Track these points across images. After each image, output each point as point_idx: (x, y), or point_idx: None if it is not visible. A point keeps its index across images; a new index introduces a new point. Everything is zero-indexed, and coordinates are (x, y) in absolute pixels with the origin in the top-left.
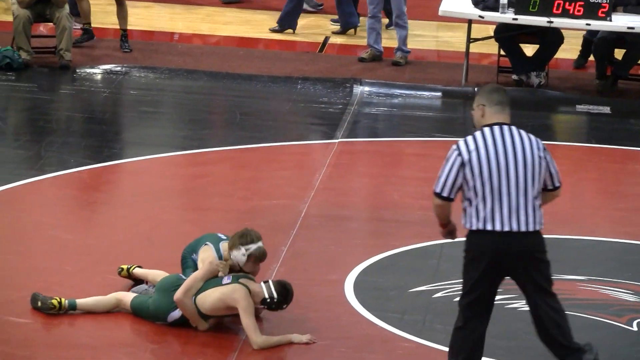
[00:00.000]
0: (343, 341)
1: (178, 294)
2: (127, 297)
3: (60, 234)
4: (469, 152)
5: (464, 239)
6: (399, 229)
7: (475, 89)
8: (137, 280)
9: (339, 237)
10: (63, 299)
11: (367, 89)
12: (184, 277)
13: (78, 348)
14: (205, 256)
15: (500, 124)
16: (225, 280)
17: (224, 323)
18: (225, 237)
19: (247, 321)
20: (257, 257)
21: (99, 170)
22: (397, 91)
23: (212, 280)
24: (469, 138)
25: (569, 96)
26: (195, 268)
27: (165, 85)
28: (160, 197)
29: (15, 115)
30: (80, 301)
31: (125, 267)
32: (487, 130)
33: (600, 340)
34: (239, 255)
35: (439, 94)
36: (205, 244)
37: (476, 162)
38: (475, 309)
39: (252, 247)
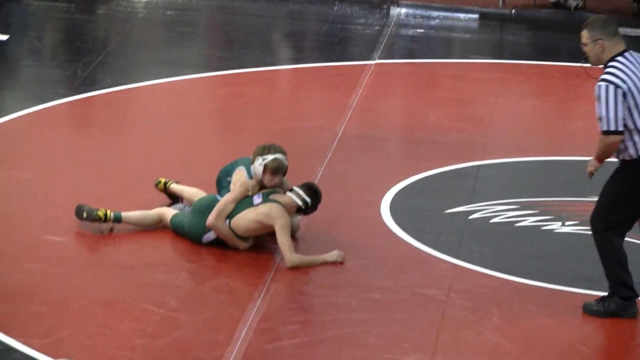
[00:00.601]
0: (379, 262)
1: (210, 219)
2: (169, 213)
3: (97, 154)
4: (624, 82)
5: (499, 160)
6: (435, 150)
7: (513, 11)
8: (172, 197)
9: (375, 158)
10: (109, 211)
11: (403, 10)
12: (219, 197)
13: (114, 267)
14: (237, 179)
15: (629, 51)
16: (256, 200)
17: (260, 242)
18: None
19: (283, 239)
20: (273, 169)
21: (136, 90)
22: (434, 13)
23: (243, 201)
24: (613, 70)
25: None
26: (229, 190)
27: (201, 6)
28: (196, 118)
29: (52, 35)
30: (125, 214)
31: (162, 180)
32: (623, 59)
33: (635, 262)
34: (257, 166)
35: (476, 15)
36: (239, 168)
37: (635, 90)
38: (623, 228)
39: (269, 157)
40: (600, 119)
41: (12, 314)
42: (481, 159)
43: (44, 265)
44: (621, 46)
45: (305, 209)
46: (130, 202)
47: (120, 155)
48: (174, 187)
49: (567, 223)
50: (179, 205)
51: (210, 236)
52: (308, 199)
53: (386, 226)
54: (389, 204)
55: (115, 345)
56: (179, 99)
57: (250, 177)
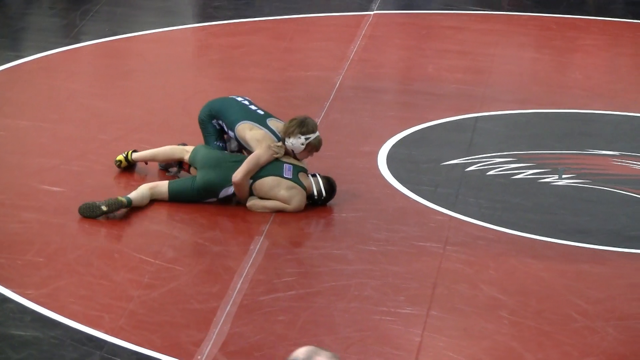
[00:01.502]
0: (376, 213)
1: (238, 177)
2: (161, 184)
3: (96, 103)
4: None
5: (497, 112)
6: (433, 102)
7: None
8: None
9: (373, 109)
10: (123, 198)
11: None
12: (215, 146)
13: (110, 218)
14: (259, 136)
15: None
16: (287, 172)
17: None
18: (262, 112)
19: (277, 208)
20: (315, 147)
21: (134, 39)
22: None
23: (271, 166)
24: None
25: None
26: (217, 135)
27: None
28: (195, 67)
29: None
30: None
31: (121, 157)
32: None
33: (632, 215)
34: (298, 143)
35: None
36: (248, 123)
37: None
38: None
39: (312, 136)
40: None
41: (7, 264)
42: (479, 111)
43: (40, 215)
44: None
45: (316, 200)
46: (128, 150)
47: (118, 104)
48: (138, 155)
49: (564, 176)
50: (173, 170)
51: (228, 191)
52: (324, 193)
53: (383, 178)
54: (386, 156)
55: (112, 295)
56: (178, 48)
57: (277, 138)
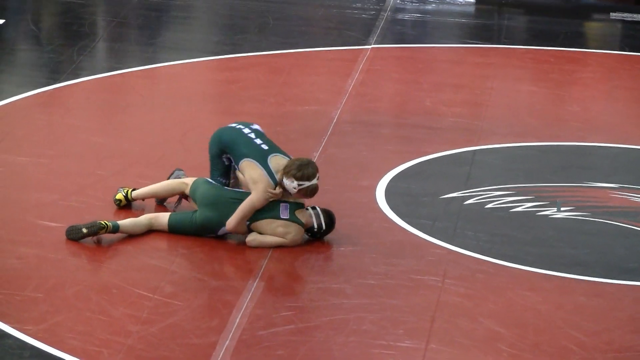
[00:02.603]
0: (374, 247)
1: (232, 224)
2: (161, 215)
3: (94, 138)
4: None
5: (495, 145)
6: (430, 136)
7: None
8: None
9: (370, 143)
10: (106, 221)
11: None
12: (217, 181)
13: (109, 252)
14: (256, 177)
15: None
16: (283, 212)
17: None
18: (267, 147)
19: (275, 243)
20: (307, 193)
21: (132, 74)
22: None
23: (267, 207)
24: None
25: (603, 4)
26: (224, 171)
27: None
28: (192, 102)
29: (48, 19)
30: (121, 223)
31: (121, 196)
32: None
33: (630, 248)
34: (290, 186)
35: (473, 0)
36: (250, 161)
37: None
38: None
39: (305, 184)
40: None
41: (6, 299)
42: (477, 144)
43: (38, 250)
44: None
45: (315, 233)
46: (126, 185)
47: (116, 140)
48: (137, 193)
49: (562, 209)
50: (171, 204)
51: (225, 229)
52: (324, 227)
53: (381, 212)
54: (384, 189)
55: (110, 331)
56: (175, 84)
57: (271, 176)
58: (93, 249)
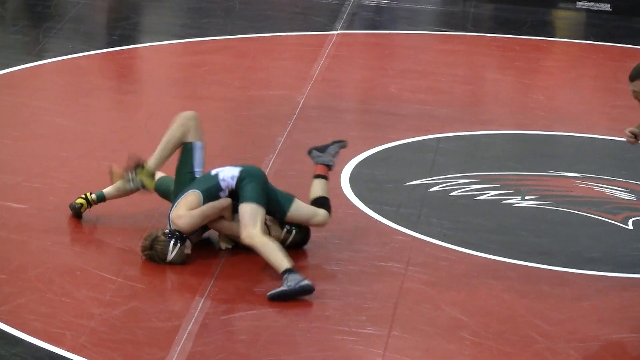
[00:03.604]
0: (338, 233)
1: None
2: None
3: (58, 120)
4: None
5: (460, 133)
6: (395, 122)
7: None
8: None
9: (335, 128)
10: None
11: None
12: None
13: (73, 234)
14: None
15: None
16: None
17: None
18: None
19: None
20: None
21: (97, 56)
22: None
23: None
24: None
25: None
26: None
27: None
28: (158, 85)
29: (13, 0)
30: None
31: (81, 202)
32: None
33: (594, 237)
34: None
35: None
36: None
37: None
38: None
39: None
40: None
41: None
42: (441, 132)
43: (2, 232)
44: None
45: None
46: (90, 168)
47: (81, 122)
48: (100, 193)
49: (526, 197)
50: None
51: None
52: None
53: (346, 197)
54: (348, 176)
55: (73, 313)
56: (141, 67)
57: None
58: (57, 231)
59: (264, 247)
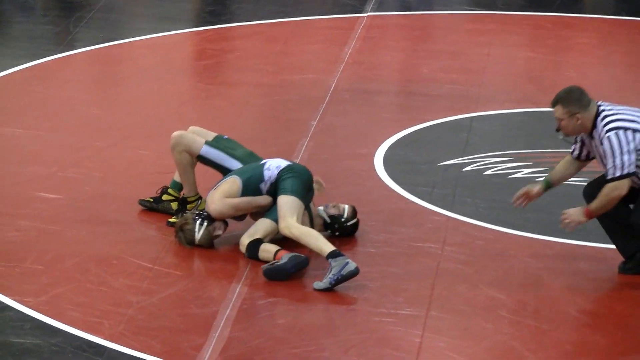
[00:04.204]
0: (374, 215)
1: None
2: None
3: (90, 110)
4: (634, 122)
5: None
6: (428, 103)
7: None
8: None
9: (368, 111)
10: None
11: None
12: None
13: (108, 223)
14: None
15: (600, 103)
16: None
17: None
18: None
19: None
20: None
21: (128, 45)
22: None
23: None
24: (614, 115)
25: None
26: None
27: None
28: (189, 72)
29: None
30: None
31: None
32: (607, 106)
33: None
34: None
35: None
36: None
37: None
38: None
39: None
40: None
41: (6, 272)
42: (474, 111)
43: (37, 222)
44: (594, 106)
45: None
46: (124, 157)
47: (113, 112)
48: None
49: None
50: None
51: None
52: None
53: (380, 179)
54: (382, 157)
55: (111, 302)
56: (172, 54)
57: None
58: (91, 221)
59: (303, 236)
